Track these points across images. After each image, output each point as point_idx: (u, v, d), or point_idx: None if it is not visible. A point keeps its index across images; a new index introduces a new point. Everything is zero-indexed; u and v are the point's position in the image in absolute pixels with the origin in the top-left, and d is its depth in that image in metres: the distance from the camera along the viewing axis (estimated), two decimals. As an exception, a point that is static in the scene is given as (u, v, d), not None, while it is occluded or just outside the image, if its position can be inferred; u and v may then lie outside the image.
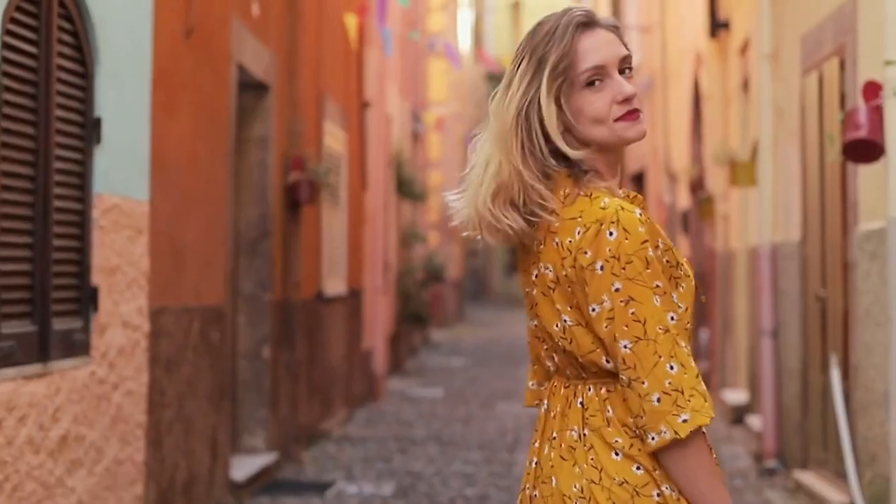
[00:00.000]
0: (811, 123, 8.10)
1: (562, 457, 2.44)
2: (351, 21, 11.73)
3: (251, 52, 8.36)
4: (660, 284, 2.37)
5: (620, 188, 2.56)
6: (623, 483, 2.38)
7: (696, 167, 14.25)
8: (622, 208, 2.39)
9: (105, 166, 5.32)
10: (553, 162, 2.46)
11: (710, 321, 13.81)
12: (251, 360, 8.95)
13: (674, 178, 16.54)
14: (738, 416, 11.29)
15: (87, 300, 5.27)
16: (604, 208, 2.40)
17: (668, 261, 2.44)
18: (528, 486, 2.53)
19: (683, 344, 2.37)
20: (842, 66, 7.41)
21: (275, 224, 9.13)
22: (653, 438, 2.32)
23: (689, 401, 2.32)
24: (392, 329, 16.94)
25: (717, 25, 12.67)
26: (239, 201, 8.86)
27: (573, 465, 2.42)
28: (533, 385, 2.69)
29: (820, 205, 7.97)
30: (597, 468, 2.40)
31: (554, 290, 2.45)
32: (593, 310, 2.38)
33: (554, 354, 2.51)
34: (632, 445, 2.39)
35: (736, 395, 11.69)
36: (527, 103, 2.47)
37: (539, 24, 2.51)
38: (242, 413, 8.95)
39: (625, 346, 2.36)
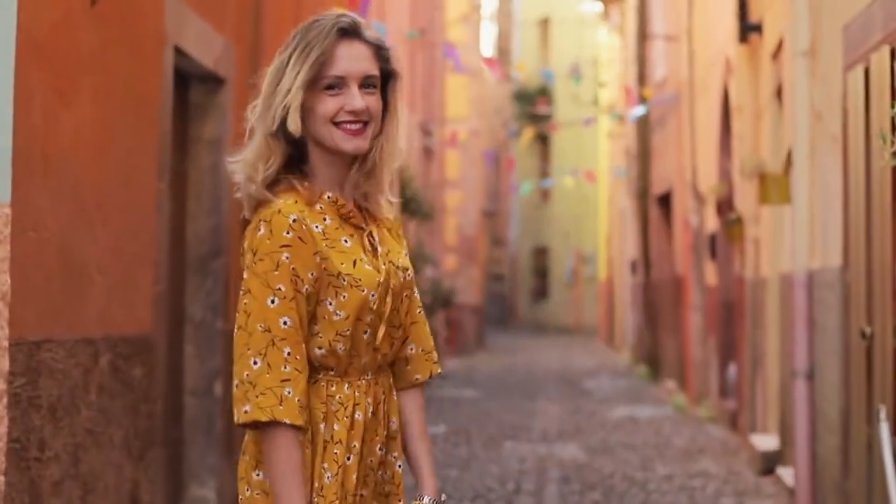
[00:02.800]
0: (856, 126, 6.82)
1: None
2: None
3: (196, 36, 7.14)
4: (282, 288, 2.63)
5: (340, 191, 2.79)
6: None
7: (724, 185, 12.97)
8: (279, 211, 2.66)
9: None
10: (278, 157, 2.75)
11: (739, 356, 12.50)
12: (200, 398, 7.70)
13: (701, 198, 15.27)
14: (768, 465, 9.96)
15: None
16: (269, 209, 2.67)
17: (325, 269, 2.69)
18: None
19: (288, 350, 2.62)
20: (892, 55, 6.16)
21: (232, 239, 7.89)
22: (237, 416, 2.61)
23: (258, 396, 2.59)
24: (395, 358, 15.68)
25: (748, 28, 11.44)
26: (185, 212, 7.64)
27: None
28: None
29: (865, 224, 6.67)
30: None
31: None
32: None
33: None
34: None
35: (766, 441, 10.38)
36: (286, 90, 2.69)
37: (315, 21, 2.73)
38: (190, 459, 7.69)
39: (234, 331, 2.66)
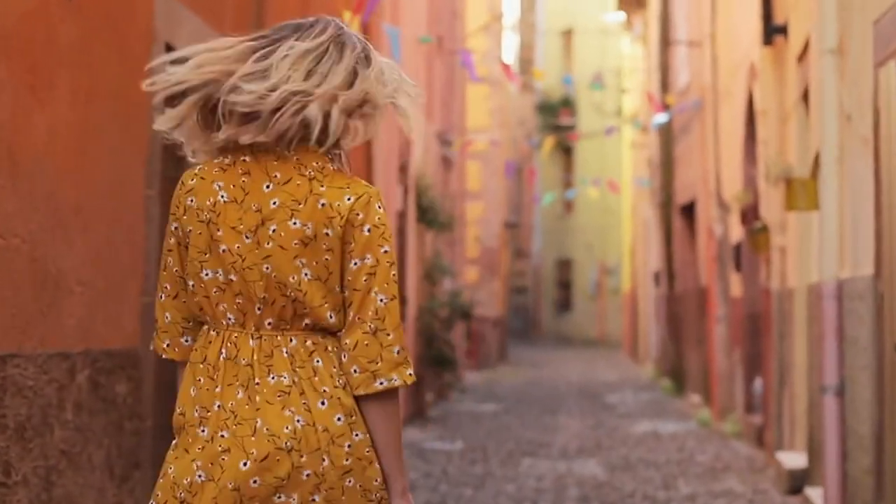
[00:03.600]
0: (888, 127, 6.41)
1: (268, 401, 2.69)
2: (349, 18, 10.13)
3: (191, 35, 6.77)
4: None
5: None
6: (325, 430, 2.69)
7: (748, 193, 12.55)
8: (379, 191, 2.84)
9: None
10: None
11: (765, 369, 12.07)
12: (196, 415, 7.33)
13: (725, 207, 14.84)
14: (795, 484, 9.53)
15: None
16: (367, 186, 2.79)
17: None
18: (204, 428, 2.71)
19: None
20: (929, 49, 5.77)
21: (230, 249, 7.52)
22: (381, 383, 2.70)
23: (408, 359, 2.77)
24: (411, 372, 15.26)
25: (773, 31, 11.03)
26: (182, 220, 7.28)
27: (283, 409, 2.69)
28: (187, 341, 2.87)
29: (899, 229, 6.26)
30: (309, 412, 2.69)
31: (306, 246, 2.71)
32: (355, 264, 2.72)
33: (258, 306, 2.73)
34: (332, 396, 2.70)
35: (793, 459, 9.94)
36: (380, 92, 2.79)
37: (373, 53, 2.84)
38: (185, 479, 7.32)
39: (381, 300, 2.72)
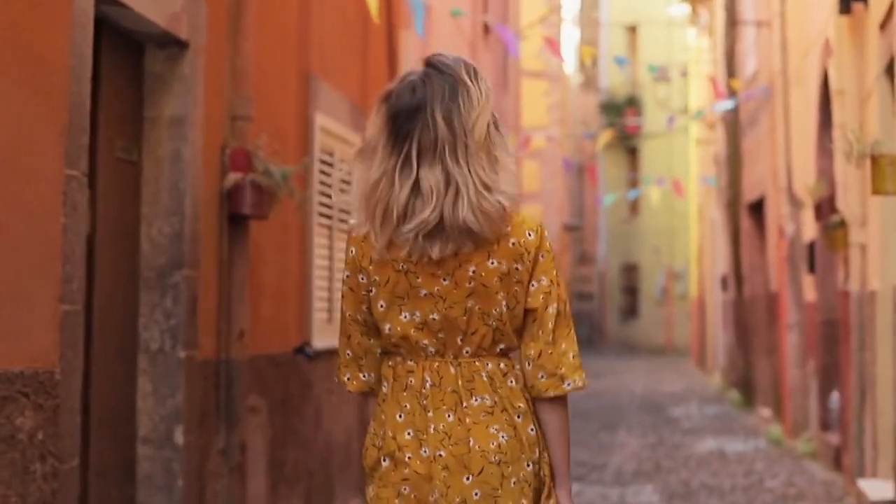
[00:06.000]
0: None
1: (475, 421, 3.08)
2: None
3: (136, -17, 5.57)
4: None
5: None
6: (525, 439, 3.11)
7: (823, 184, 11.17)
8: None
9: None
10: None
11: (843, 383, 10.68)
12: (158, 448, 6.12)
13: (797, 203, 13.45)
14: (881, 518, 8.18)
15: None
16: (535, 219, 3.20)
17: None
18: (426, 449, 3.08)
19: None
20: None
21: (202, 246, 6.31)
22: (568, 384, 3.11)
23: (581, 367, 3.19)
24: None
25: (851, -1, 9.69)
26: (139, 213, 6.09)
27: (487, 427, 3.08)
28: (366, 376, 3.24)
29: None
30: (512, 426, 3.09)
31: (502, 281, 3.10)
32: (533, 285, 3.12)
33: (461, 337, 3.11)
34: (525, 411, 3.13)
35: (878, 488, 8.58)
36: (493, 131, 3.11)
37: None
38: (144, 524, 6.11)
39: (557, 314, 3.12)
